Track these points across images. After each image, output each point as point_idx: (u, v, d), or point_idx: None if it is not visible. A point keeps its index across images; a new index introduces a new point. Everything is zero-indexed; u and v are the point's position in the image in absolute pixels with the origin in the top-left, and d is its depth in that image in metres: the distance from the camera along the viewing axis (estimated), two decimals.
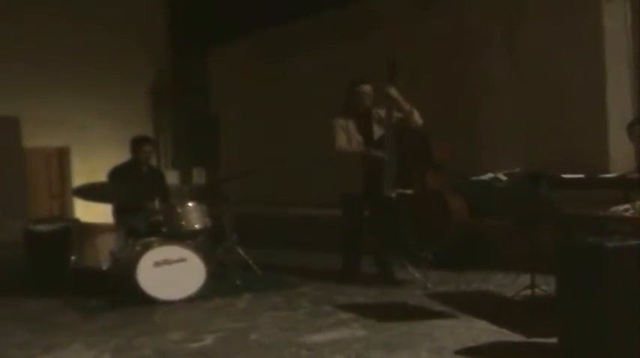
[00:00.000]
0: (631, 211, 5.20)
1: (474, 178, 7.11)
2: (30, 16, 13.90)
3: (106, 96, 14.67)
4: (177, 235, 7.72)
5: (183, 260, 7.34)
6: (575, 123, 8.67)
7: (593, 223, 5.38)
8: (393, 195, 7.51)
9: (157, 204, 8.36)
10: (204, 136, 15.07)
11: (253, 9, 13.04)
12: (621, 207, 5.29)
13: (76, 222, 8.83)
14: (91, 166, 12.62)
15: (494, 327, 5.67)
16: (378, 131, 7.81)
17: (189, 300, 7.21)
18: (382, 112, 7.77)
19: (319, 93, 11.29)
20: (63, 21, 14.27)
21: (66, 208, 14.22)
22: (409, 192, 7.48)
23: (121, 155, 9.16)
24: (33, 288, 7.90)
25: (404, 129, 7.69)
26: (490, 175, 7.09)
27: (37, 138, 13.98)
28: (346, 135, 7.85)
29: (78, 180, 11.93)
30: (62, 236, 8.02)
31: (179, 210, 7.93)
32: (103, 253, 7.62)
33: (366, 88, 7.86)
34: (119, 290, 7.26)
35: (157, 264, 7.21)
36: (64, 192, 14.41)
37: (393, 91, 7.68)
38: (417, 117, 7.69)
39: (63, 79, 14.20)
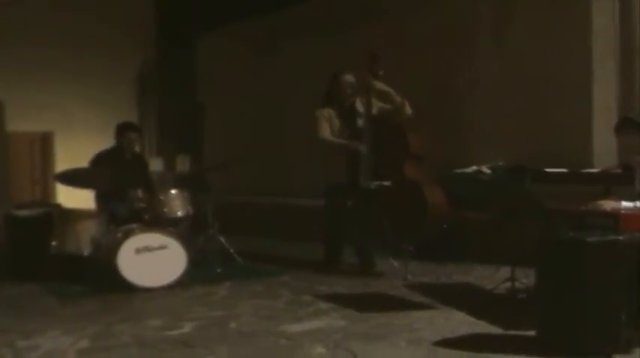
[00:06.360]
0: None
1: (458, 171, 7.13)
2: (17, 2, 13.81)
3: (92, 82, 14.61)
4: (159, 222, 7.70)
5: (164, 247, 7.32)
6: (561, 118, 8.68)
7: (574, 218, 5.40)
8: (372, 186, 7.54)
9: (139, 191, 8.30)
10: (189, 124, 15.03)
11: None
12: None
13: (58, 207, 8.80)
14: (74, 152, 12.51)
15: (473, 319, 5.69)
16: (360, 121, 7.83)
17: (170, 288, 7.20)
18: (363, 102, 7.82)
19: (305, 83, 11.27)
20: (50, 6, 14.20)
21: (48, 193, 14.16)
22: (387, 183, 7.49)
23: (105, 141, 9.12)
24: (13, 273, 7.87)
25: (381, 121, 7.71)
26: (474, 168, 7.11)
27: (20, 123, 13.91)
28: (329, 126, 7.88)
29: (61, 165, 11.86)
30: (43, 221, 7.97)
31: (161, 197, 7.91)
32: (84, 239, 7.58)
33: (349, 77, 7.91)
34: (100, 277, 7.24)
35: (138, 251, 7.20)
36: (46, 177, 14.34)
37: (383, 85, 7.71)
38: (408, 108, 7.73)
39: (49, 63, 14.12)
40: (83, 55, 14.37)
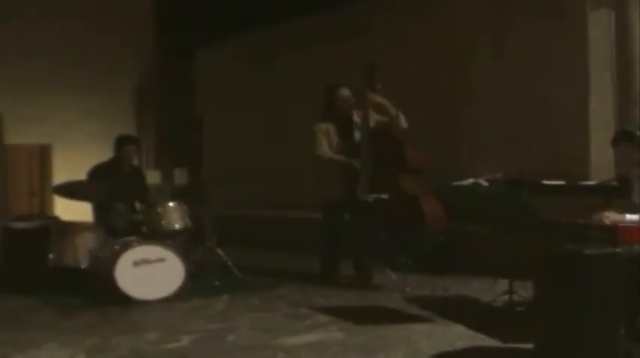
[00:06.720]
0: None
1: (456, 183, 7.12)
2: (16, 14, 13.83)
3: (91, 94, 14.62)
4: (157, 235, 7.70)
5: (162, 260, 7.30)
6: (558, 130, 8.70)
7: (572, 230, 5.39)
8: (370, 199, 7.53)
9: (137, 203, 8.30)
10: (187, 137, 15.06)
11: (239, 11, 13.05)
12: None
13: (56, 220, 8.79)
14: (72, 164, 12.51)
15: (470, 332, 5.68)
16: (358, 135, 7.84)
17: (167, 300, 7.17)
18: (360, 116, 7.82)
19: (303, 95, 11.28)
20: (49, 18, 14.23)
21: (46, 206, 14.15)
22: (385, 196, 7.48)
23: (103, 153, 9.13)
24: (10, 286, 7.83)
25: (379, 134, 7.71)
26: (471, 181, 7.10)
27: (19, 135, 13.91)
28: (327, 141, 7.89)
29: (59, 177, 11.86)
30: (41, 234, 7.95)
31: (159, 210, 7.90)
32: (82, 252, 7.59)
33: (345, 92, 7.90)
34: (97, 289, 7.22)
35: (136, 264, 7.17)
36: (44, 189, 14.33)
37: (378, 97, 7.70)
38: (403, 122, 7.72)
39: (47, 76, 14.15)
40: (81, 67, 14.40)
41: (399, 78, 9.51)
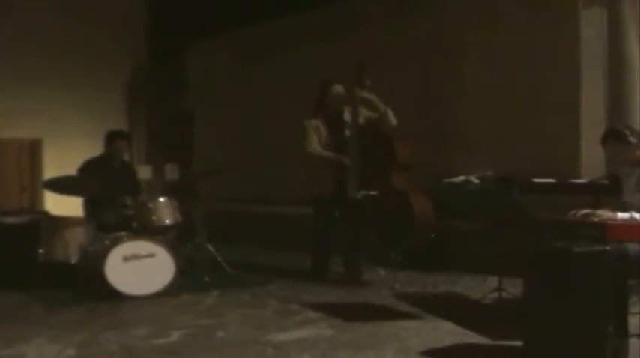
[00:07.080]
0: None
1: (446, 180, 7.13)
2: (6, 9, 13.77)
3: (82, 89, 14.55)
4: (147, 230, 7.69)
5: (152, 255, 7.29)
6: (549, 129, 8.72)
7: (561, 228, 5.40)
8: (359, 196, 7.52)
9: (127, 199, 8.29)
10: (178, 132, 15.03)
11: (231, 7, 13.02)
12: (581, 212, 5.31)
13: (46, 214, 8.76)
14: (63, 159, 12.42)
15: (460, 329, 5.69)
16: (348, 131, 7.84)
17: (157, 296, 7.16)
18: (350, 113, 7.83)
19: (294, 91, 11.28)
20: (40, 13, 14.16)
21: (36, 200, 14.09)
22: (374, 193, 7.48)
23: (94, 148, 9.11)
24: None
25: (368, 131, 7.71)
26: (462, 178, 7.11)
27: (9, 130, 13.83)
28: (317, 137, 7.88)
29: (50, 172, 11.81)
30: (31, 228, 7.92)
31: (150, 205, 7.90)
32: (72, 247, 7.56)
33: (338, 88, 7.90)
34: (87, 285, 7.20)
35: (126, 259, 7.16)
36: (34, 184, 14.27)
37: (367, 94, 7.70)
38: (392, 118, 7.72)
39: (38, 70, 14.06)
40: (73, 62, 14.32)
41: (391, 76, 9.52)
